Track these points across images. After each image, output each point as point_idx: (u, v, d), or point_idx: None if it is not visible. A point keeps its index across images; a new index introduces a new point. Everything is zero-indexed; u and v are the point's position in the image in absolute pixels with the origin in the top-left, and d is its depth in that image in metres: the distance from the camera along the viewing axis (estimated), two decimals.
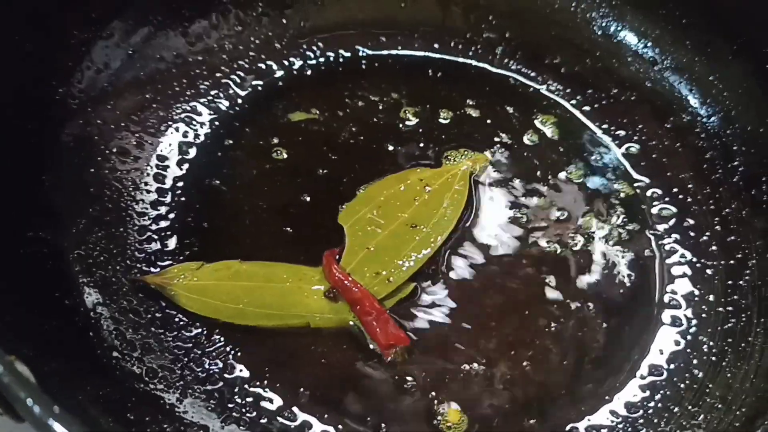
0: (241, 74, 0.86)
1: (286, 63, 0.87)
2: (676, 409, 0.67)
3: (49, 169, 0.69)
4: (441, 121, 0.84)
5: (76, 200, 0.71)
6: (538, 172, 0.81)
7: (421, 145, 0.82)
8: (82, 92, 0.74)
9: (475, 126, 0.84)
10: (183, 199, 0.76)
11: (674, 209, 0.80)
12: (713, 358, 0.70)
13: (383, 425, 0.65)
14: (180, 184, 0.77)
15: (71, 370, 0.60)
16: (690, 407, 0.67)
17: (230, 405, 0.65)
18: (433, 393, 0.66)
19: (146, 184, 0.76)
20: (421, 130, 0.83)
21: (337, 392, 0.66)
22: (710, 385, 0.68)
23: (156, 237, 0.73)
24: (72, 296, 0.66)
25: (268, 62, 0.87)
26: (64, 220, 0.69)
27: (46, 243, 0.67)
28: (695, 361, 0.70)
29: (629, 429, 0.66)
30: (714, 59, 0.84)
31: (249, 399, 0.66)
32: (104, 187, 0.74)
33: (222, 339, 0.68)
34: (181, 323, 0.69)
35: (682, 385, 0.68)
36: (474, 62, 0.90)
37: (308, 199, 0.77)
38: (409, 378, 0.67)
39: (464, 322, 0.70)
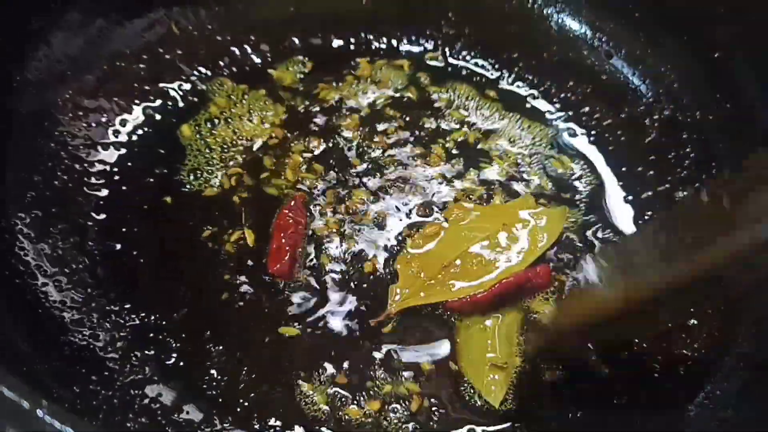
0: (201, 61, 0.87)
1: (242, 53, 0.89)
2: None
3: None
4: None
5: (26, 180, 0.72)
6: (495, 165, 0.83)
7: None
8: (40, 73, 0.75)
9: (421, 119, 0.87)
10: (141, 178, 0.77)
11: (630, 196, 0.81)
12: None
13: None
14: (138, 165, 0.78)
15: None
16: None
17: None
18: None
19: (100, 162, 0.77)
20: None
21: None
22: None
23: (110, 212, 0.74)
24: (21, 274, 0.66)
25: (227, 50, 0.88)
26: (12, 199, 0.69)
27: None
28: None
29: None
30: (665, 52, 0.86)
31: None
32: (56, 170, 0.75)
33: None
34: (139, 303, 0.69)
35: None
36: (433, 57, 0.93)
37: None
38: None
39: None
